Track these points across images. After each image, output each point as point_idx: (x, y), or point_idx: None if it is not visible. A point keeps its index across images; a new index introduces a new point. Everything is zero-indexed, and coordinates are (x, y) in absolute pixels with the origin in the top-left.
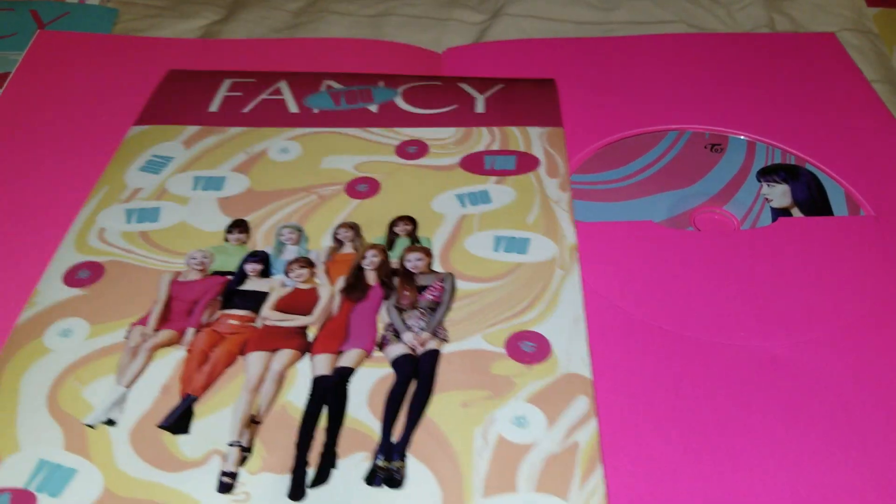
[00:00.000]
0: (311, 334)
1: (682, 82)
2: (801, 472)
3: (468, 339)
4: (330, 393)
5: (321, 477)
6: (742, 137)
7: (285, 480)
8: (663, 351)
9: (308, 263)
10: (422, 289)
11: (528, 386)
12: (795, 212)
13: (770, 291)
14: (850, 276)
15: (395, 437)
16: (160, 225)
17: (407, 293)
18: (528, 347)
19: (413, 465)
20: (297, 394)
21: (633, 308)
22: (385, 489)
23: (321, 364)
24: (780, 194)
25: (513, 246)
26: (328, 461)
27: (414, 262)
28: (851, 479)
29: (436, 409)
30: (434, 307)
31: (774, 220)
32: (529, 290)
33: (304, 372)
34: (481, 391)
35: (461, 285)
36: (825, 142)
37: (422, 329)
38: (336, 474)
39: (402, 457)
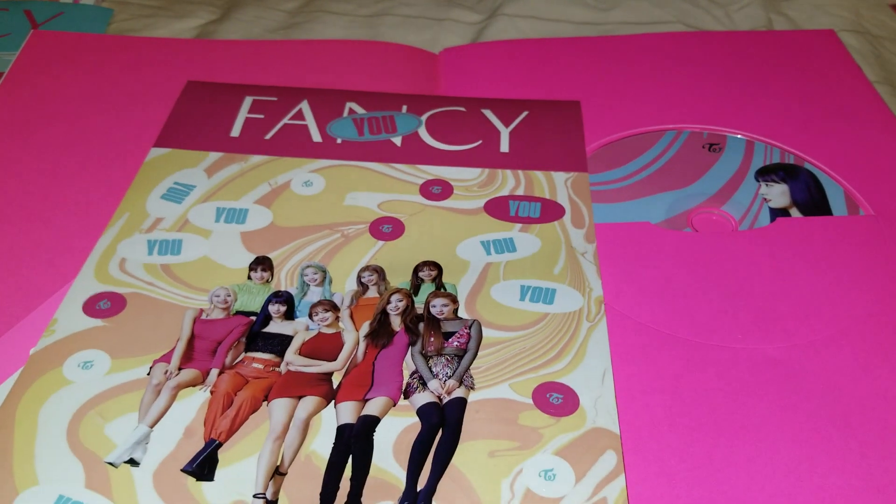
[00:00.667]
0: (335, 380)
1: (679, 81)
2: (801, 474)
3: (495, 387)
4: (355, 442)
5: None
6: (740, 137)
7: None
8: (660, 354)
9: (332, 307)
10: (448, 335)
11: (556, 439)
12: (794, 212)
13: (768, 293)
14: (849, 277)
15: (421, 484)
16: (182, 259)
17: (433, 339)
18: (556, 399)
19: None
20: (322, 443)
21: (630, 311)
22: None
23: (346, 412)
24: (778, 194)
25: (539, 296)
26: None
27: (440, 307)
28: (851, 481)
29: (462, 457)
30: (460, 354)
31: (773, 220)
32: (556, 341)
33: (329, 420)
34: (509, 442)
35: (487, 333)
36: (824, 140)
37: (448, 377)
38: None
39: None
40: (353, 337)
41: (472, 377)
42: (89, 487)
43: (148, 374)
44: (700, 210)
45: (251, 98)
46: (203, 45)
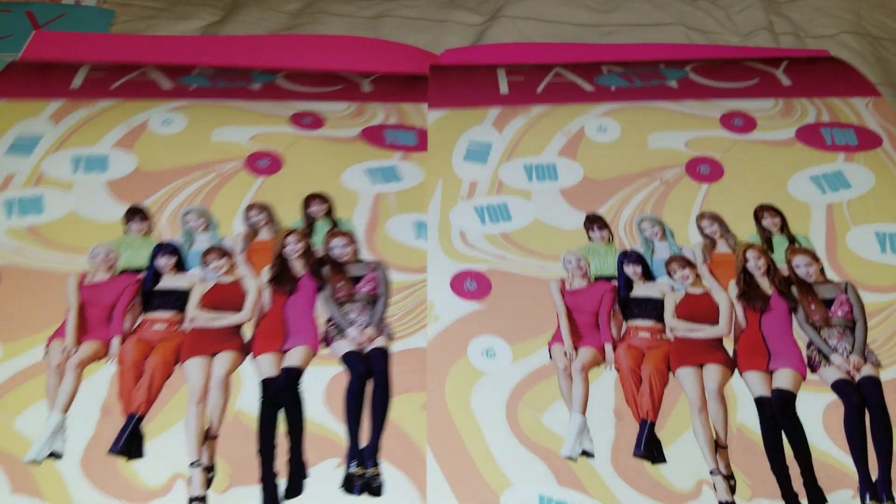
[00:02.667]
0: (247, 332)
1: None
2: None
3: (413, 336)
4: (283, 396)
5: (294, 489)
6: None
7: (256, 491)
8: None
9: (224, 253)
10: (356, 280)
11: None
12: None
13: None
14: None
15: (363, 441)
16: (47, 217)
17: (341, 285)
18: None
19: (387, 470)
20: (248, 400)
21: None
22: (365, 497)
23: (266, 365)
24: None
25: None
26: (298, 470)
27: (340, 249)
28: None
29: (397, 412)
30: (372, 300)
31: None
32: None
33: (250, 375)
34: None
35: (392, 276)
36: None
37: (366, 324)
38: (309, 484)
39: (376, 463)
40: (256, 283)
41: (388, 325)
42: (17, 492)
43: (46, 356)
44: None
45: (88, 66)
46: (204, 41)
